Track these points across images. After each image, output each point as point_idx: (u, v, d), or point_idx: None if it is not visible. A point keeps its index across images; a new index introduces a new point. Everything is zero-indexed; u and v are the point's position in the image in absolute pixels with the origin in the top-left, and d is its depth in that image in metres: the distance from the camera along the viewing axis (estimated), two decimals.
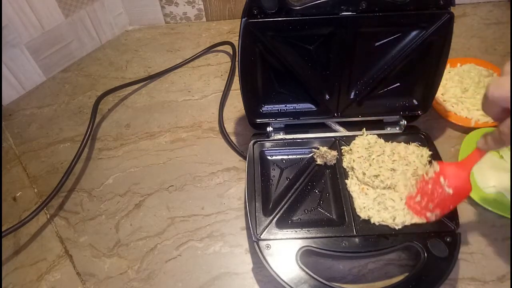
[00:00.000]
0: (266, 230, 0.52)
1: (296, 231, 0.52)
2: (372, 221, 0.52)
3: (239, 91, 0.59)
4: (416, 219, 0.52)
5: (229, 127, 0.71)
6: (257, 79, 0.59)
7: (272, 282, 0.51)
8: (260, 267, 0.53)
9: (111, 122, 0.74)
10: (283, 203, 0.55)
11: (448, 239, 0.50)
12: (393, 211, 0.52)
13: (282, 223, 0.54)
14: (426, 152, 0.58)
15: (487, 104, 0.41)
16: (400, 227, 0.51)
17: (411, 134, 0.62)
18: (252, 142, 0.62)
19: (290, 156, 0.62)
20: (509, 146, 0.60)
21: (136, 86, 0.79)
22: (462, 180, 0.49)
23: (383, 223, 0.52)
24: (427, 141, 0.61)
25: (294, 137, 0.63)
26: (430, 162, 0.57)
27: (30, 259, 0.57)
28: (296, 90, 0.61)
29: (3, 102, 0.77)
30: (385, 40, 0.56)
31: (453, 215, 0.52)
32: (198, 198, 0.62)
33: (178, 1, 0.87)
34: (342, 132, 0.64)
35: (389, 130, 0.63)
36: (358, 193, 0.55)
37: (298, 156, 0.62)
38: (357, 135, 0.62)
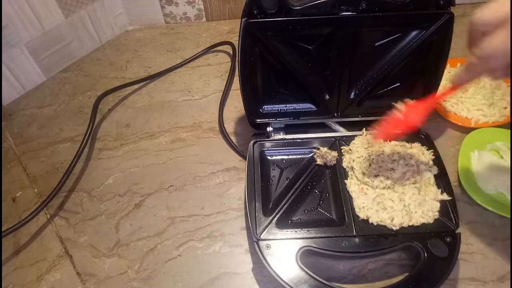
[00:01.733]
0: (266, 230, 0.52)
1: (296, 231, 0.52)
2: (370, 221, 0.52)
3: (239, 91, 0.59)
4: (414, 221, 0.52)
5: (229, 127, 0.71)
6: (257, 79, 0.59)
7: (272, 282, 0.51)
8: (260, 267, 0.53)
9: (111, 122, 0.74)
10: (283, 203, 0.55)
11: (448, 239, 0.50)
12: (391, 211, 0.52)
13: (282, 223, 0.54)
14: (426, 152, 0.58)
15: (471, 30, 0.40)
16: (397, 228, 0.51)
17: (411, 134, 0.62)
18: (252, 142, 0.62)
19: (290, 156, 0.62)
20: (509, 145, 0.60)
21: (136, 86, 0.79)
22: (420, 105, 0.49)
23: (381, 223, 0.52)
24: (427, 141, 0.61)
25: (294, 137, 0.63)
26: (433, 162, 0.57)
27: (30, 259, 0.57)
28: (296, 90, 0.61)
29: (3, 102, 0.77)
30: (385, 40, 0.56)
31: (453, 215, 0.52)
32: (198, 198, 0.62)
33: (178, 1, 0.87)
34: (342, 132, 0.64)
35: None
36: (357, 193, 0.55)
37: (298, 156, 0.62)
38: (357, 135, 0.62)
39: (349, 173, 0.58)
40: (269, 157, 0.62)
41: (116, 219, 0.60)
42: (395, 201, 0.54)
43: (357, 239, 0.51)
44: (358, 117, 0.63)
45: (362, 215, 0.53)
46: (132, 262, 0.56)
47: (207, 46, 0.84)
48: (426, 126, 0.65)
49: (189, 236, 0.58)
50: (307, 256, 0.51)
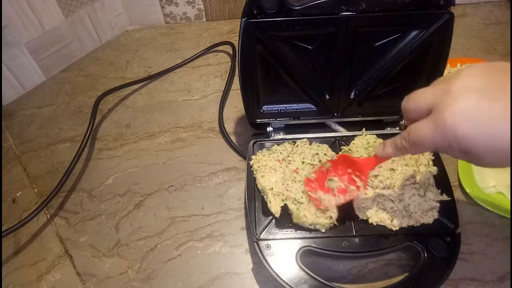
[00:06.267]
0: (266, 230, 0.52)
1: (296, 231, 0.52)
2: (370, 221, 0.52)
3: (239, 91, 0.59)
4: (414, 221, 0.52)
5: (229, 127, 0.71)
6: (257, 79, 0.59)
7: (272, 282, 0.51)
8: (260, 267, 0.53)
9: (111, 122, 0.74)
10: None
11: (448, 239, 0.50)
12: (391, 211, 0.52)
13: (282, 223, 0.54)
14: (426, 153, 0.58)
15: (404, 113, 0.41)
16: (397, 228, 0.51)
17: None
18: (252, 142, 0.62)
19: None
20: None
21: (136, 86, 0.79)
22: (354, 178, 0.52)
23: (381, 224, 0.52)
24: None
25: (294, 137, 0.63)
26: (433, 162, 0.57)
27: (30, 259, 0.57)
28: (296, 90, 0.61)
29: (3, 102, 0.77)
30: (385, 40, 0.56)
31: (453, 215, 0.52)
32: (198, 198, 0.62)
33: (178, 1, 0.87)
34: (342, 132, 0.64)
35: (389, 130, 0.63)
36: None
37: None
38: (357, 135, 0.62)
39: None
40: None
41: (116, 219, 0.60)
42: (394, 201, 0.53)
43: (357, 239, 0.51)
44: (358, 117, 0.63)
45: (361, 215, 0.53)
46: (132, 262, 0.56)
47: (207, 46, 0.84)
48: None
49: (189, 236, 0.58)
50: (307, 256, 0.51)
